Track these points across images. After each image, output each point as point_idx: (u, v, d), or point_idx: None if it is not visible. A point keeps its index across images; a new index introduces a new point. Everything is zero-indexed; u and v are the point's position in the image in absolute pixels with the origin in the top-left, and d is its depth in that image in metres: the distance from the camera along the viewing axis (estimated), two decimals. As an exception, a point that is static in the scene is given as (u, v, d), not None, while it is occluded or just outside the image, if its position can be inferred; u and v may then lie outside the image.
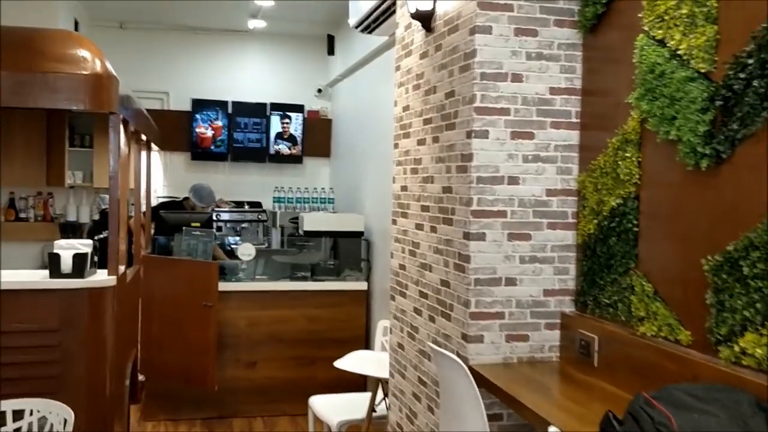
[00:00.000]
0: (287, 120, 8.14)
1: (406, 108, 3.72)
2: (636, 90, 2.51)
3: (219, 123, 7.97)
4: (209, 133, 7.95)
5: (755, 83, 1.98)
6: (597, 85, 2.88)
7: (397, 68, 3.88)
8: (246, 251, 5.90)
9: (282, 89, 8.23)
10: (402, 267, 3.74)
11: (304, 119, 8.18)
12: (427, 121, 3.40)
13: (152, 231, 6.26)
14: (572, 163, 2.99)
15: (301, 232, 6.25)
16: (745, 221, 2.05)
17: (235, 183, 8.04)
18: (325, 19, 7.41)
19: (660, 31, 2.40)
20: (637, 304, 2.54)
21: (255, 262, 6.08)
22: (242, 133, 8.03)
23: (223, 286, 5.74)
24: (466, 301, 2.92)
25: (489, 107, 2.90)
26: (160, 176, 8.02)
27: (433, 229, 3.29)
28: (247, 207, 7.68)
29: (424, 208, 3.41)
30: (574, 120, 2.98)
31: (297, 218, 7.22)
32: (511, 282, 2.94)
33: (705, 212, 2.24)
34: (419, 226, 3.48)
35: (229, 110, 8.00)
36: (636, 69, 2.51)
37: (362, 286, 6.07)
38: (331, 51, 7.60)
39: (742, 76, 2.04)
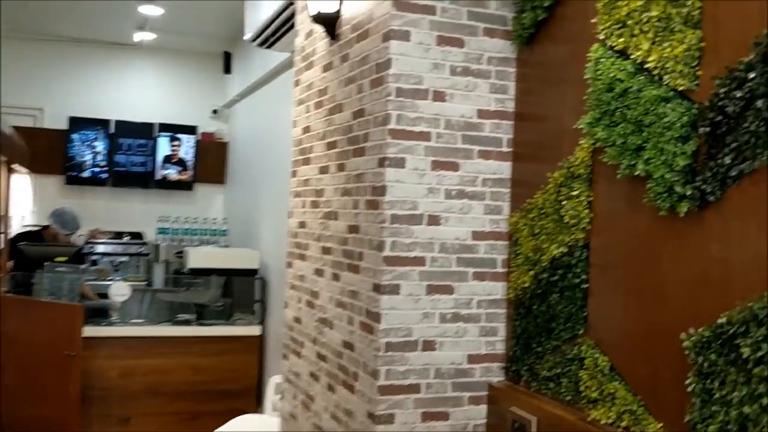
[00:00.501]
0: (177, 142, 7.40)
1: (306, 129, 3.14)
2: (588, 113, 2.01)
3: (99, 144, 7.14)
4: (87, 154, 7.11)
5: (759, 103, 1.51)
6: (535, 108, 2.38)
7: (297, 83, 3.30)
8: (118, 291, 5.13)
9: (173, 109, 7.49)
10: (297, 320, 3.12)
11: (197, 142, 7.46)
12: (331, 145, 2.82)
13: (10, 266, 5.39)
14: (503, 201, 2.48)
15: (186, 268, 5.53)
16: (742, 285, 1.57)
17: (115, 210, 7.22)
18: (222, 33, 6.76)
19: (621, 40, 1.92)
20: (588, 381, 2.02)
21: (138, 303, 5.32)
22: (125, 156, 7.23)
23: (93, 330, 4.96)
24: (374, 370, 2.33)
25: (406, 130, 2.35)
26: (28, 202, 7.10)
27: (336, 277, 2.70)
28: (126, 238, 6.87)
29: (326, 250, 2.82)
30: (505, 149, 2.48)
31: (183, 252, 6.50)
32: (429, 346, 2.38)
33: (683, 270, 1.74)
34: (319, 272, 2.88)
35: (111, 130, 7.19)
36: (588, 87, 2.02)
37: (255, 331, 5.40)
38: (227, 69, 6.94)
39: (738, 94, 1.56)
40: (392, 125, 2.33)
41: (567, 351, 2.13)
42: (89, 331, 4.90)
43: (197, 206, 7.57)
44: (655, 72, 1.80)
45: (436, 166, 2.38)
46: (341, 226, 2.66)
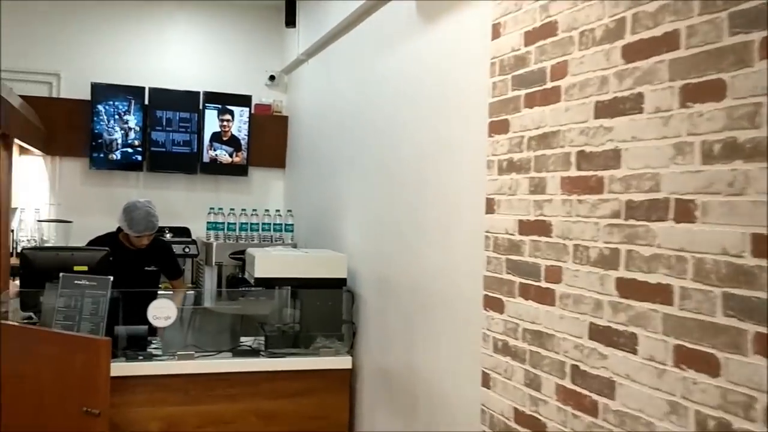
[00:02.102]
0: (228, 116, 5.96)
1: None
2: None
3: (131, 117, 5.73)
4: (117, 131, 5.70)
5: None
6: None
7: None
8: (160, 311, 3.72)
9: (220, 74, 6.06)
10: None
11: (251, 116, 6.02)
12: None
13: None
14: None
15: (250, 276, 4.10)
16: None
17: (153, 201, 5.76)
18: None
19: None
20: None
21: (184, 326, 3.91)
22: (164, 133, 5.81)
23: (124, 368, 3.57)
24: None
25: None
26: (45, 192, 5.73)
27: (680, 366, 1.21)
28: (169, 236, 5.47)
29: (641, 291, 1.34)
30: None
31: (242, 254, 5.08)
32: None
33: None
34: (614, 339, 1.40)
35: (146, 100, 5.77)
36: None
37: (344, 362, 3.96)
38: (290, 20, 5.48)
39: None
40: None
41: None
42: (119, 368, 3.51)
43: (252, 195, 6.14)
44: None
45: None
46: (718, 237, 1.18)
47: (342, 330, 4.02)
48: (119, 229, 4.41)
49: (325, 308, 3.98)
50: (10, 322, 3.49)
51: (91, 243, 4.45)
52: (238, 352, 3.88)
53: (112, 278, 3.76)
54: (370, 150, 3.96)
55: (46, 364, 3.24)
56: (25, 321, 3.77)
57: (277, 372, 3.85)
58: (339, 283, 3.99)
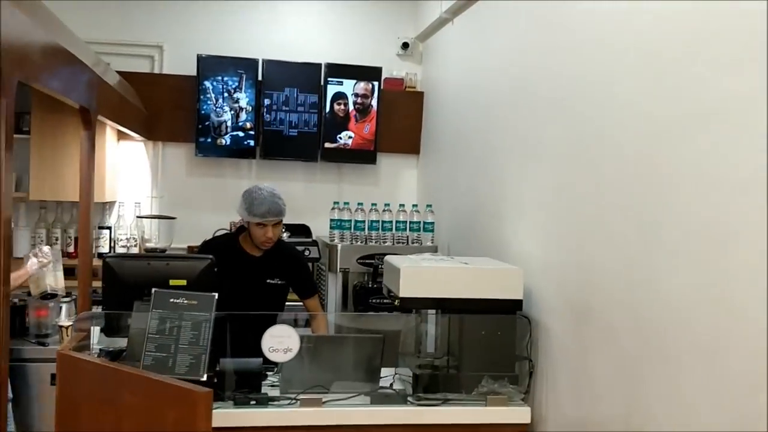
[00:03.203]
0: (355, 92, 5.01)
1: None
2: None
3: (243, 95, 4.89)
4: (226, 111, 4.87)
5: None
6: None
7: None
8: (279, 343, 2.79)
9: (343, 43, 5.13)
10: None
11: (380, 92, 5.06)
12: None
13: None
14: None
15: (386, 290, 3.13)
16: None
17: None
18: None
19: None
20: None
21: (307, 357, 2.98)
22: (281, 113, 4.94)
23: (230, 417, 2.69)
24: None
25: None
26: (147, 183, 4.98)
27: None
28: (286, 235, 4.60)
29: None
30: None
31: (371, 258, 4.15)
32: None
33: None
34: None
35: (260, 75, 4.91)
36: None
37: (520, 414, 2.92)
38: (430, -27, 4.48)
39: None
40: None
41: None
42: (224, 417, 2.64)
43: (380, 187, 5.20)
44: None
45: None
46: None
47: (515, 369, 2.99)
48: (239, 230, 3.56)
49: (492, 339, 2.95)
50: (85, 356, 2.65)
51: (205, 246, 3.62)
52: (378, 397, 2.91)
53: (216, 295, 2.89)
54: (557, 129, 2.89)
55: (127, 416, 2.38)
56: (109, 352, 2.96)
57: (429, 426, 2.86)
58: (512, 307, 2.95)
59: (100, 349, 3.01)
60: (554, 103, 2.92)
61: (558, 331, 2.80)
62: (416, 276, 2.92)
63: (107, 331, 2.97)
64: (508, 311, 2.96)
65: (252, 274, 3.46)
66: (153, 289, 2.81)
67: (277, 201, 3.37)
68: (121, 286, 2.92)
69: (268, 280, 3.51)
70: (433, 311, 3.03)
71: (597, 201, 2.53)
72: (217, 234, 4.06)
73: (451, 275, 2.94)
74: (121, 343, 2.93)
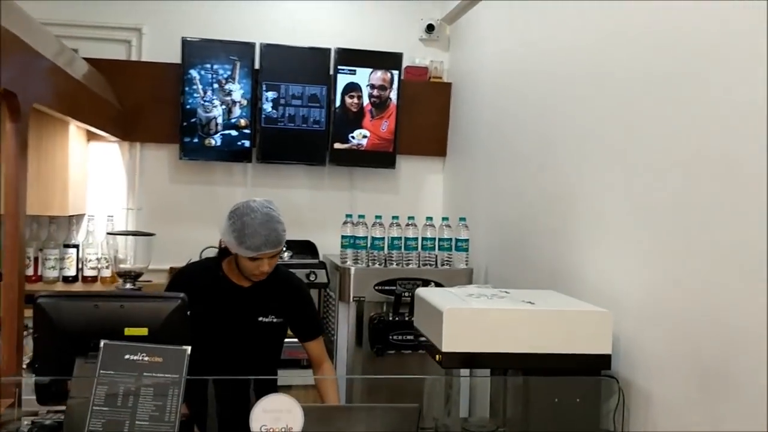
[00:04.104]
0: (371, 83, 4.21)
1: None
2: None
3: (236, 87, 4.09)
4: (216, 106, 4.08)
5: None
6: None
7: None
8: (274, 420, 1.98)
9: (357, 25, 4.34)
10: None
11: (400, 83, 4.26)
12: None
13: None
14: None
15: (419, 339, 2.33)
16: None
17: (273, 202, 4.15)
18: None
19: None
20: None
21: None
22: (281, 108, 4.14)
23: None
24: None
25: None
26: (122, 192, 4.19)
27: None
28: (287, 255, 3.80)
29: None
30: None
31: (392, 285, 3.39)
32: None
33: None
34: None
35: (256, 62, 4.11)
36: None
37: None
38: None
39: None
40: None
41: None
42: None
43: (402, 196, 4.41)
44: None
45: None
46: None
47: (600, 450, 2.18)
48: (221, 254, 2.76)
49: (568, 408, 2.14)
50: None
51: (178, 276, 2.81)
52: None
53: (188, 349, 2.11)
54: (659, 119, 2.08)
55: None
56: (44, 427, 2.15)
57: None
58: (596, 364, 2.14)
59: (32, 422, 2.21)
60: (651, 83, 2.11)
61: (668, 401, 1.99)
62: (465, 322, 2.11)
63: (40, 397, 2.17)
64: (590, 370, 2.15)
65: (239, 311, 2.66)
66: (102, 341, 2.03)
67: (275, 227, 2.55)
68: (59, 336, 2.11)
69: (260, 318, 2.70)
70: (487, 371, 2.22)
71: (737, 219, 1.72)
72: (204, 254, 3.28)
73: (515, 320, 2.12)
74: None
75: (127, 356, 2.07)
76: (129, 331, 2.12)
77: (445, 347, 2.09)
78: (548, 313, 2.14)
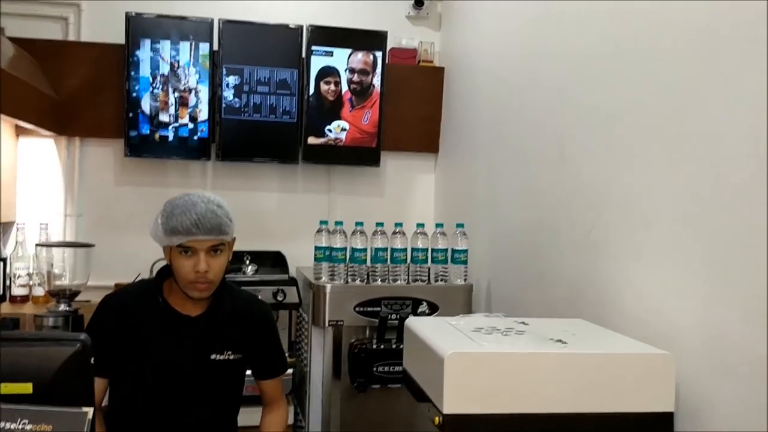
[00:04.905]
0: (350, 67, 3.64)
1: None
2: None
3: (192, 71, 3.50)
4: (168, 94, 3.48)
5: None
6: None
7: None
8: None
9: (337, 3, 3.77)
10: None
11: (384, 67, 3.68)
12: None
13: None
14: None
15: (415, 392, 1.75)
16: None
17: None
18: None
19: None
20: None
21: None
22: (245, 96, 3.55)
23: None
24: None
25: None
26: (59, 196, 3.59)
27: None
28: (250, 269, 3.21)
29: None
30: None
31: (376, 305, 2.82)
32: None
33: None
34: None
35: (215, 43, 3.52)
36: None
37: None
38: None
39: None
40: None
41: None
42: None
43: (387, 199, 3.84)
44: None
45: None
46: None
47: None
48: (161, 276, 2.18)
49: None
50: None
51: (100, 312, 2.21)
52: None
53: (90, 412, 1.53)
54: (726, 100, 1.52)
55: None
56: None
57: None
58: (654, 425, 1.57)
59: None
60: (706, 47, 1.54)
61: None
62: (476, 371, 1.52)
63: None
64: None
65: (186, 348, 2.09)
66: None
67: (213, 209, 2.01)
68: None
69: (213, 356, 2.13)
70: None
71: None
72: (156, 267, 2.71)
73: (543, 369, 1.54)
74: None
75: (1, 424, 1.49)
76: (6, 389, 1.53)
77: (448, 408, 1.51)
78: (589, 358, 1.56)
